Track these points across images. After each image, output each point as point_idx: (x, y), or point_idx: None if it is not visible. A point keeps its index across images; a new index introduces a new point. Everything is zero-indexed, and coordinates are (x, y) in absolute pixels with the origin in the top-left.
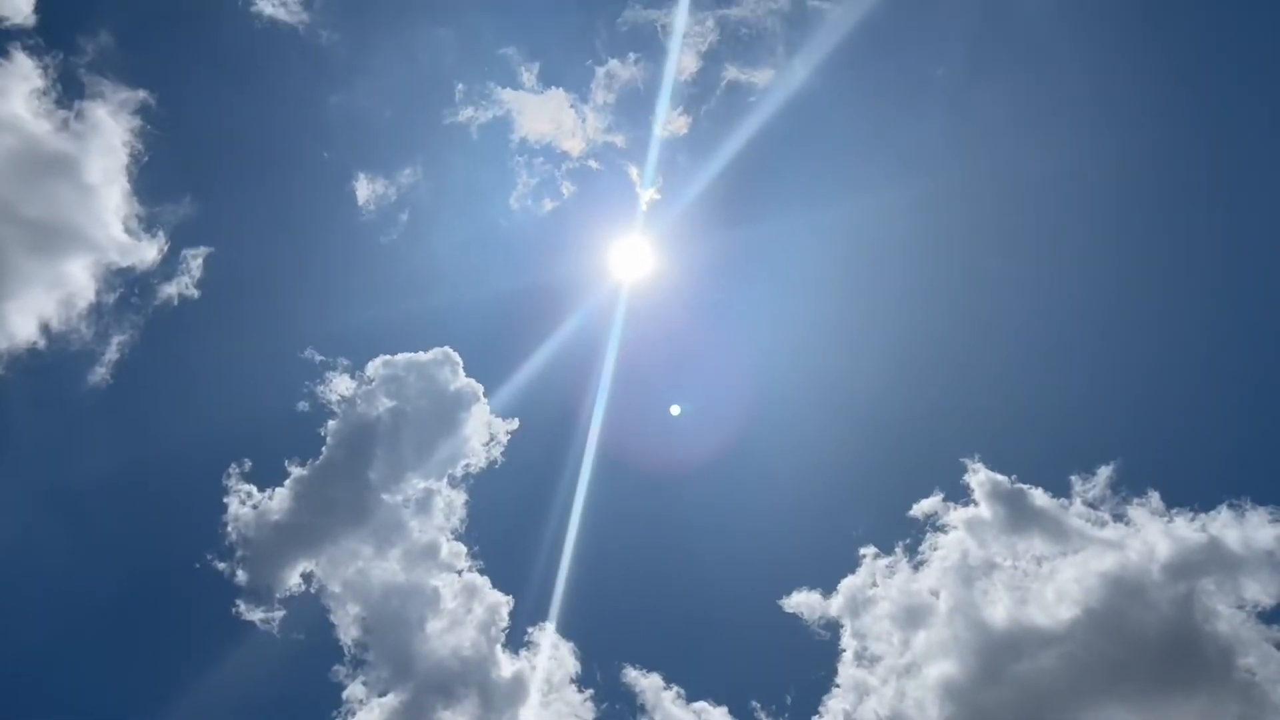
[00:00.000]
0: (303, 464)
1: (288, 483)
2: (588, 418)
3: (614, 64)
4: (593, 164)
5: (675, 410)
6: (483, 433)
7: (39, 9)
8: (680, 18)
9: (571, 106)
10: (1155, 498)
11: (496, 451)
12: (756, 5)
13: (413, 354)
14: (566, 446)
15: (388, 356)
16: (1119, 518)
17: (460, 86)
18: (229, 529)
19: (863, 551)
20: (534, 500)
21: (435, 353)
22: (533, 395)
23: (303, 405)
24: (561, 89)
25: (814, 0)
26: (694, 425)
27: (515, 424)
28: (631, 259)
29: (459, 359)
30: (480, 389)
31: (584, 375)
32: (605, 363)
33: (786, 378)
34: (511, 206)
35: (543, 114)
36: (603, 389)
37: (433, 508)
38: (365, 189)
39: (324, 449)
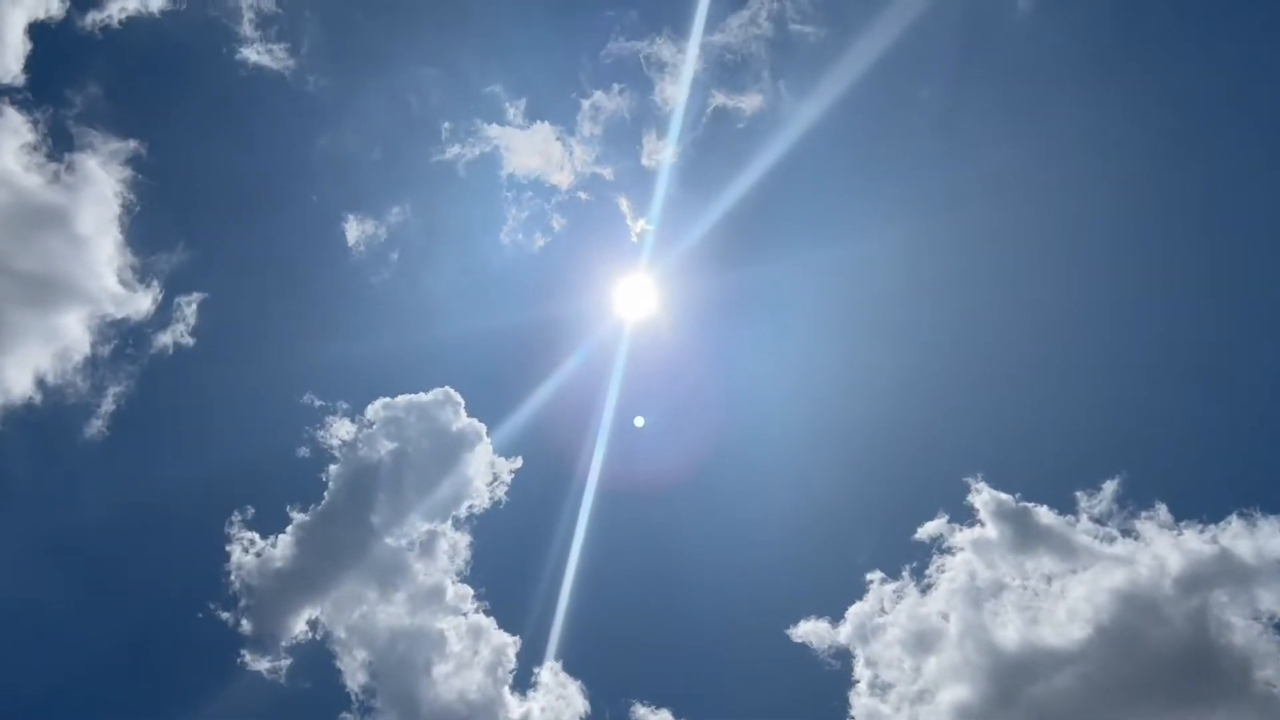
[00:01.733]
0: (305, 510)
1: (290, 529)
2: (590, 453)
3: (599, 95)
4: (582, 196)
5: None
6: (486, 473)
7: (28, 66)
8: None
9: (558, 139)
10: (1163, 510)
11: (500, 491)
12: (740, 30)
13: (413, 395)
14: (569, 483)
15: (387, 399)
16: (1127, 532)
17: (446, 124)
18: (232, 578)
19: (869, 577)
20: (538, 539)
21: (436, 393)
22: (535, 433)
23: (303, 451)
24: (548, 122)
25: (796, 25)
26: (695, 458)
27: (518, 462)
28: (626, 290)
29: (460, 399)
30: (483, 429)
31: (585, 410)
32: (606, 397)
33: (786, 404)
34: (502, 242)
35: (530, 148)
36: (605, 423)
37: (437, 550)
38: (355, 230)
39: (326, 494)
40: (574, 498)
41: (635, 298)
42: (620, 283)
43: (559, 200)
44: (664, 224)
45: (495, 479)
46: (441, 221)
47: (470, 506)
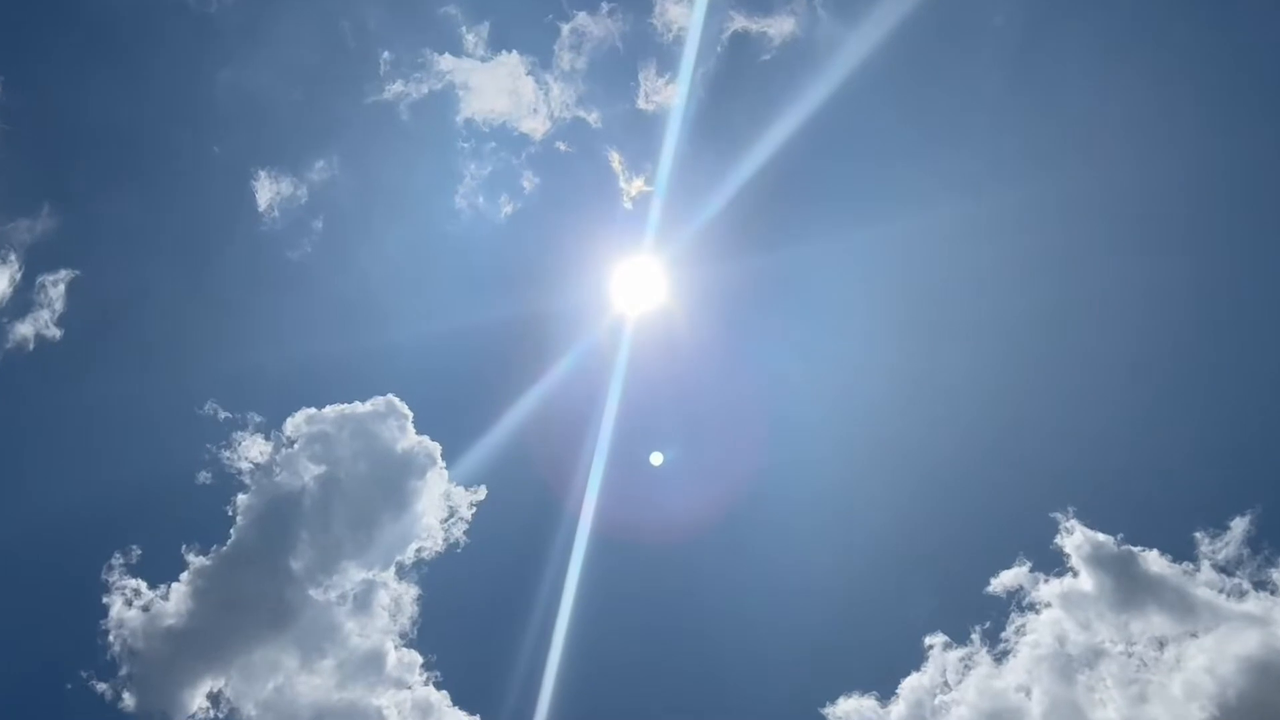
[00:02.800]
0: (205, 552)
1: (186, 576)
2: (581, 485)
3: (582, 18)
4: (561, 147)
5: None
6: (440, 506)
7: None
8: None
9: (530, 75)
10: None
11: (458, 530)
12: None
13: (345, 405)
14: (552, 522)
15: (312, 409)
16: (1261, 585)
17: (386, 55)
18: (111, 638)
19: (929, 641)
20: (509, 592)
21: (375, 402)
22: (505, 456)
23: (204, 475)
24: (516, 52)
25: None
26: (713, 490)
27: (482, 494)
28: (622, 273)
29: (407, 410)
30: (436, 449)
31: (573, 428)
32: (601, 412)
33: (825, 421)
34: (459, 206)
35: (494, 86)
36: (600, 445)
37: (375, 605)
38: (268, 190)
39: (233, 531)
40: (561, 541)
41: (634, 283)
42: (613, 263)
43: (531, 153)
44: (669, 186)
45: (452, 514)
46: (379, 180)
47: (419, 550)
